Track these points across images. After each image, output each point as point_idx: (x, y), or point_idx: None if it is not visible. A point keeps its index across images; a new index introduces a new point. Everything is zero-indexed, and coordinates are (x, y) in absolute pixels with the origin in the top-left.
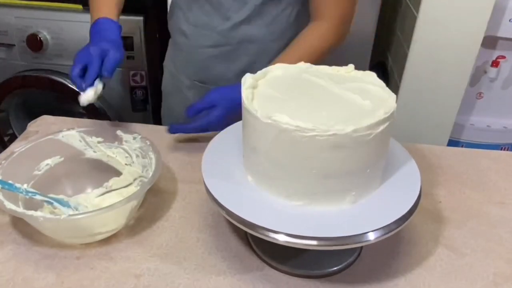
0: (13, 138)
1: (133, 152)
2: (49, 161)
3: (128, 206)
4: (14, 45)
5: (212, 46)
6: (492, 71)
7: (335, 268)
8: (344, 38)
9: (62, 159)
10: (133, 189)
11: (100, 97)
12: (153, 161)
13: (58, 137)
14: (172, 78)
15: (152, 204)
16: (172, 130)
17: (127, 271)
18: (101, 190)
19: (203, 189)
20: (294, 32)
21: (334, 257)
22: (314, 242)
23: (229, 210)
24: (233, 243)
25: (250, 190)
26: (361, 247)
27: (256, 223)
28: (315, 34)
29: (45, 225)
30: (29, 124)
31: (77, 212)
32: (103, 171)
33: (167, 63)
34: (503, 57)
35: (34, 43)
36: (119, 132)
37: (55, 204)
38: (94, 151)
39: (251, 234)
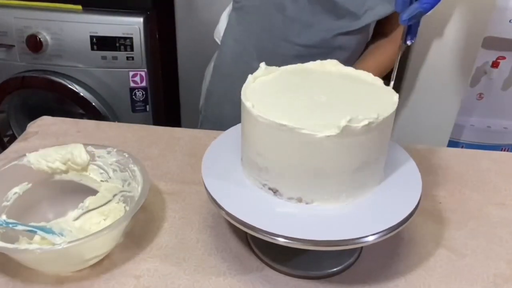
0: (12, 139)
1: (109, 167)
2: (16, 189)
3: (124, 224)
4: (13, 45)
5: (307, 46)
6: (492, 72)
7: (335, 269)
8: None
9: (30, 185)
10: (114, 205)
11: None
12: (137, 173)
13: (23, 162)
14: (237, 63)
15: (151, 205)
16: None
17: (127, 272)
18: (77, 212)
19: (203, 190)
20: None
21: (334, 258)
22: (314, 243)
23: (229, 211)
24: (233, 244)
25: (250, 191)
26: (361, 248)
27: (256, 224)
28: (385, 54)
29: (39, 258)
30: (28, 125)
31: (74, 239)
32: (78, 191)
33: (229, 44)
34: (503, 57)
35: (34, 43)
36: (90, 148)
37: (39, 233)
38: (64, 172)
39: (251, 235)
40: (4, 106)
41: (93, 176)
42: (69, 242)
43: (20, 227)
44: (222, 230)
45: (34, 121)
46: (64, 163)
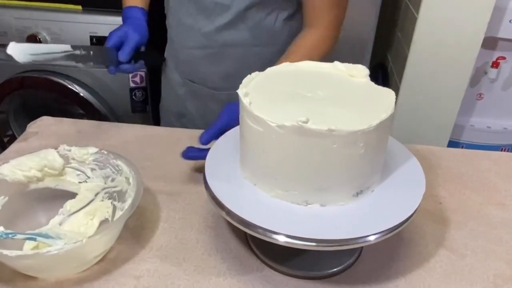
0: (12, 139)
1: (86, 167)
2: None
3: (127, 217)
4: None
5: (197, 48)
6: (492, 72)
7: (335, 269)
8: (336, 42)
9: (7, 198)
10: (99, 203)
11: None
12: (123, 167)
13: None
14: (167, 75)
15: (151, 205)
16: (187, 156)
17: (127, 272)
18: (59, 218)
19: (203, 190)
20: (284, 38)
21: (334, 258)
22: (314, 243)
23: (229, 211)
24: (233, 244)
25: (250, 191)
26: (361, 248)
27: (256, 224)
28: (308, 42)
29: (41, 263)
30: (28, 125)
31: (74, 240)
32: (57, 197)
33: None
34: (503, 58)
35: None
36: (63, 151)
37: (39, 239)
38: (40, 180)
39: (251, 235)
40: (4, 106)
41: (70, 179)
42: (77, 241)
43: (19, 236)
44: (222, 231)
45: (34, 121)
46: (40, 170)
